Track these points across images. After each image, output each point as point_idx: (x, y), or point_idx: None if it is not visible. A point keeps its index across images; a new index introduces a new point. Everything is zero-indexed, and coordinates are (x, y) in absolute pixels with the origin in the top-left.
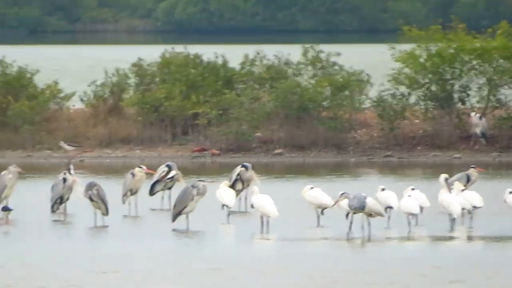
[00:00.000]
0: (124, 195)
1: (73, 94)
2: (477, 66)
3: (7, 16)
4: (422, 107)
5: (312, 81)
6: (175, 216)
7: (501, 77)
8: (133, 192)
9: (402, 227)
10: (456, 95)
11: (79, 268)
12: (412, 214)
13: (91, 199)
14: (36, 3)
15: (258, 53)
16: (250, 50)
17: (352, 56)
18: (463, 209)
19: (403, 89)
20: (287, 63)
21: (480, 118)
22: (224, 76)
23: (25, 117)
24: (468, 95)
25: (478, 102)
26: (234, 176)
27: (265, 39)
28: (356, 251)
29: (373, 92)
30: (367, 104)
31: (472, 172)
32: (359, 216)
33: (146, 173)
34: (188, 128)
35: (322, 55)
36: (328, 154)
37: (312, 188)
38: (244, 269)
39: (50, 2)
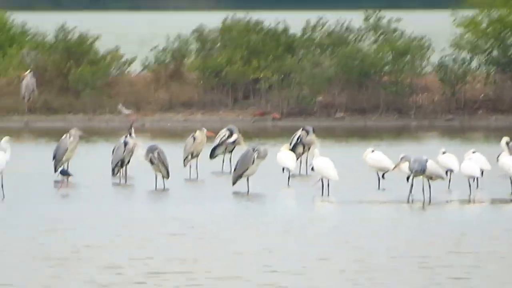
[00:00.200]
0: (185, 158)
1: (134, 59)
2: None
3: None
4: (484, 71)
5: (374, 47)
6: (235, 179)
7: None
8: (194, 155)
9: (462, 190)
10: None
11: (141, 230)
12: (473, 177)
13: (152, 162)
14: None
15: (320, 19)
16: (311, 16)
17: (413, 22)
18: None
19: (464, 54)
20: (348, 29)
21: None
22: (285, 42)
23: (86, 81)
24: None
25: None
26: (295, 140)
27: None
28: (417, 214)
29: (434, 58)
30: (429, 69)
31: None
32: (420, 179)
33: (207, 136)
34: (249, 92)
35: (384, 21)
36: (389, 118)
37: (373, 151)
38: (305, 231)
39: None
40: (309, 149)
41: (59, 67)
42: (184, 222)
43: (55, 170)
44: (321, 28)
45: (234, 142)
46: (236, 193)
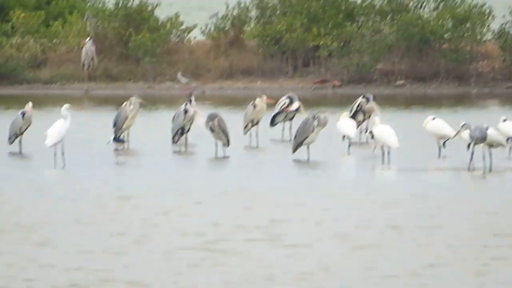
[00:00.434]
0: (245, 126)
1: (194, 26)
2: None
3: None
4: None
5: (434, 14)
6: (295, 147)
7: None
8: (254, 123)
9: None
10: None
11: (202, 198)
12: None
13: (212, 130)
14: None
15: None
16: None
17: None
18: None
19: None
20: None
21: None
22: (345, 9)
23: (146, 49)
24: None
25: None
26: (355, 107)
27: None
28: (478, 182)
29: (495, 25)
30: (489, 36)
31: None
32: (481, 147)
33: (267, 104)
34: (309, 60)
35: None
36: (450, 85)
37: (433, 119)
38: (366, 199)
39: None
40: (369, 116)
41: (119, 35)
42: (245, 190)
43: (115, 138)
44: None
45: (296, 110)
46: (296, 161)
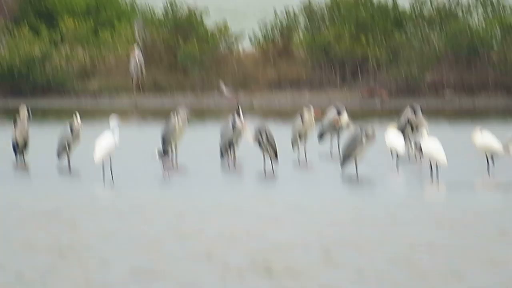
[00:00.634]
0: (293, 139)
1: (242, 36)
2: None
3: None
4: None
5: (483, 23)
6: (344, 161)
7: None
8: (302, 136)
9: None
10: None
11: (251, 212)
12: None
13: (260, 144)
14: None
15: None
16: None
17: None
18: None
19: None
20: (458, 4)
21: None
22: (394, 17)
23: (195, 59)
24: None
25: None
26: (402, 119)
27: None
28: None
29: None
30: None
31: None
32: None
33: (315, 115)
34: (357, 70)
35: None
36: (498, 97)
37: (482, 131)
38: (415, 213)
39: None
40: (417, 128)
41: (168, 44)
42: (293, 205)
43: (164, 151)
44: (430, 3)
45: (345, 123)
46: (344, 175)
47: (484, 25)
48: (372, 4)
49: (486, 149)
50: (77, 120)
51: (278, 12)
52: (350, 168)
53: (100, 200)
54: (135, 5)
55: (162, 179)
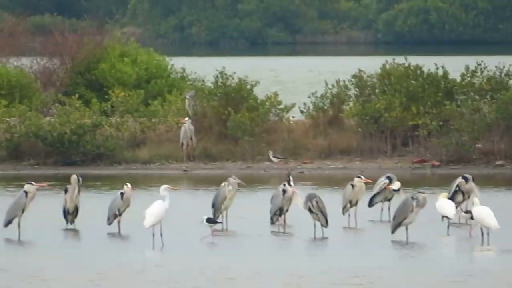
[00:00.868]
0: (344, 206)
1: (293, 105)
2: None
3: (229, 27)
4: None
5: None
6: (394, 228)
7: None
8: (353, 203)
9: None
10: None
11: (301, 280)
12: None
13: (310, 211)
14: (257, 14)
15: (479, 64)
16: (470, 61)
17: None
18: None
19: None
20: (509, 74)
21: None
22: (444, 87)
23: (245, 128)
24: None
25: None
26: (453, 188)
27: (486, 50)
28: None
29: None
30: None
31: None
32: None
33: (365, 183)
34: (408, 139)
35: None
36: None
37: None
38: (465, 281)
39: (271, 13)
40: (468, 197)
41: (218, 114)
42: (345, 271)
43: (214, 218)
44: (481, 73)
45: (397, 190)
46: (395, 242)
47: None
48: (422, 74)
49: None
50: (128, 187)
51: (329, 83)
52: (401, 234)
53: (149, 264)
54: (185, 76)
55: (211, 245)
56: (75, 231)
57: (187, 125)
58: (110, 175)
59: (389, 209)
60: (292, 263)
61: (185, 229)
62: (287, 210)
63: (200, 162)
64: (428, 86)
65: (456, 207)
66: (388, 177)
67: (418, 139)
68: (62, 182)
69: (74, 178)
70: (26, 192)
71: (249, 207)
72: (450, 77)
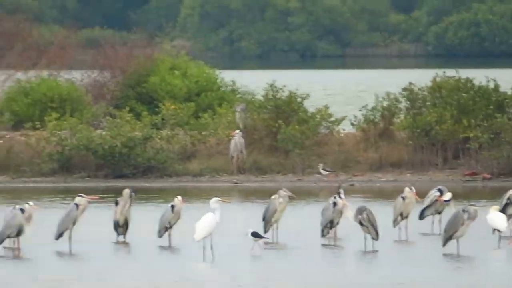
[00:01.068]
0: (395, 219)
1: (343, 118)
2: None
3: (279, 40)
4: None
5: None
6: (445, 241)
7: None
8: (404, 216)
9: None
10: None
11: None
12: None
13: (361, 224)
14: (306, 27)
15: None
16: None
17: None
18: None
19: None
20: None
21: None
22: (495, 100)
23: (295, 141)
24: None
25: None
26: (504, 200)
27: None
28: None
29: None
30: None
31: None
32: None
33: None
34: (459, 152)
35: None
36: None
37: None
38: None
39: (321, 26)
40: None
41: (268, 126)
42: (395, 284)
43: (265, 231)
44: None
45: (448, 200)
46: (446, 255)
47: None
48: (473, 87)
49: None
50: (179, 200)
51: (379, 96)
52: (452, 247)
53: (200, 277)
54: (235, 88)
55: (260, 257)
56: (125, 244)
57: (237, 138)
58: (160, 187)
59: (440, 222)
60: (342, 275)
61: (236, 242)
62: (337, 223)
63: (250, 174)
64: (479, 99)
65: (508, 220)
66: (439, 190)
67: (469, 151)
68: (113, 195)
69: (126, 192)
70: (77, 205)
71: (300, 220)
72: (501, 89)
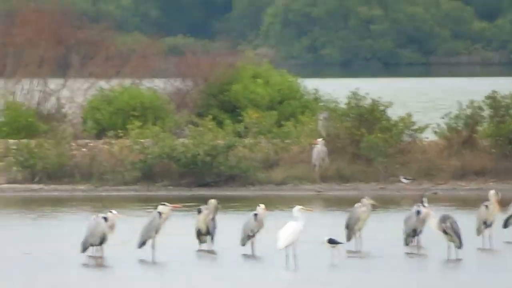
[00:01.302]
0: (478, 227)
1: (426, 126)
2: None
3: (361, 48)
4: None
5: None
6: None
7: None
8: (487, 224)
9: None
10: None
11: None
12: None
13: (444, 232)
14: (389, 35)
15: None
16: None
17: None
18: None
19: None
20: None
21: None
22: None
23: (378, 149)
24: None
25: None
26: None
27: None
28: None
29: None
30: None
31: None
32: None
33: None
34: None
35: None
36: None
37: None
38: None
39: (404, 34)
40: None
41: (351, 134)
42: None
43: (348, 240)
44: None
45: None
46: None
47: None
48: None
49: None
50: (262, 209)
51: (463, 104)
52: None
53: (283, 285)
54: (318, 97)
55: (342, 265)
56: (209, 252)
57: (320, 146)
58: (243, 196)
59: None
60: (425, 284)
61: (318, 250)
62: (421, 232)
63: (333, 183)
64: None
65: None
66: None
67: None
68: (196, 203)
69: (213, 203)
70: (160, 213)
71: (383, 228)
72: None
